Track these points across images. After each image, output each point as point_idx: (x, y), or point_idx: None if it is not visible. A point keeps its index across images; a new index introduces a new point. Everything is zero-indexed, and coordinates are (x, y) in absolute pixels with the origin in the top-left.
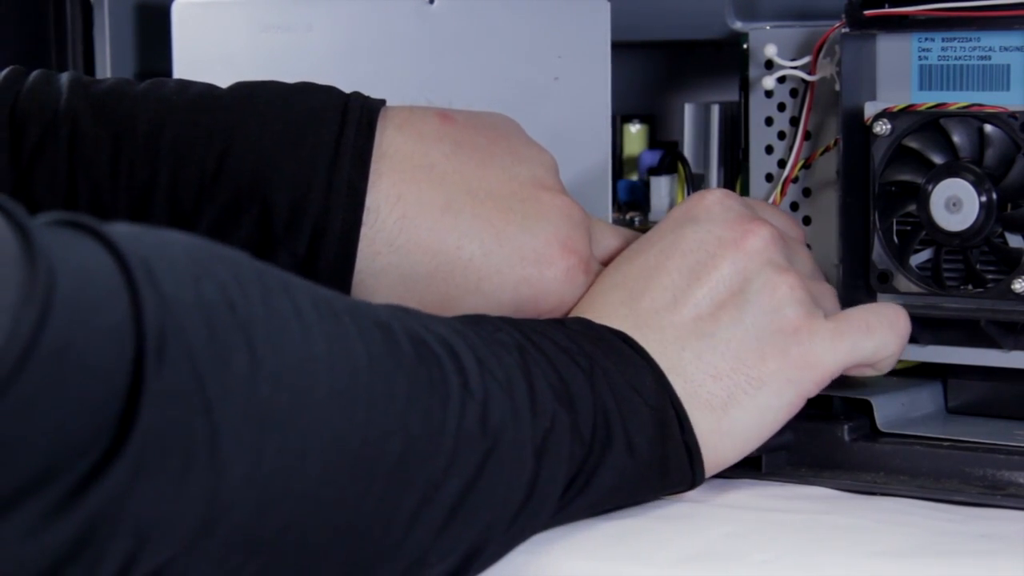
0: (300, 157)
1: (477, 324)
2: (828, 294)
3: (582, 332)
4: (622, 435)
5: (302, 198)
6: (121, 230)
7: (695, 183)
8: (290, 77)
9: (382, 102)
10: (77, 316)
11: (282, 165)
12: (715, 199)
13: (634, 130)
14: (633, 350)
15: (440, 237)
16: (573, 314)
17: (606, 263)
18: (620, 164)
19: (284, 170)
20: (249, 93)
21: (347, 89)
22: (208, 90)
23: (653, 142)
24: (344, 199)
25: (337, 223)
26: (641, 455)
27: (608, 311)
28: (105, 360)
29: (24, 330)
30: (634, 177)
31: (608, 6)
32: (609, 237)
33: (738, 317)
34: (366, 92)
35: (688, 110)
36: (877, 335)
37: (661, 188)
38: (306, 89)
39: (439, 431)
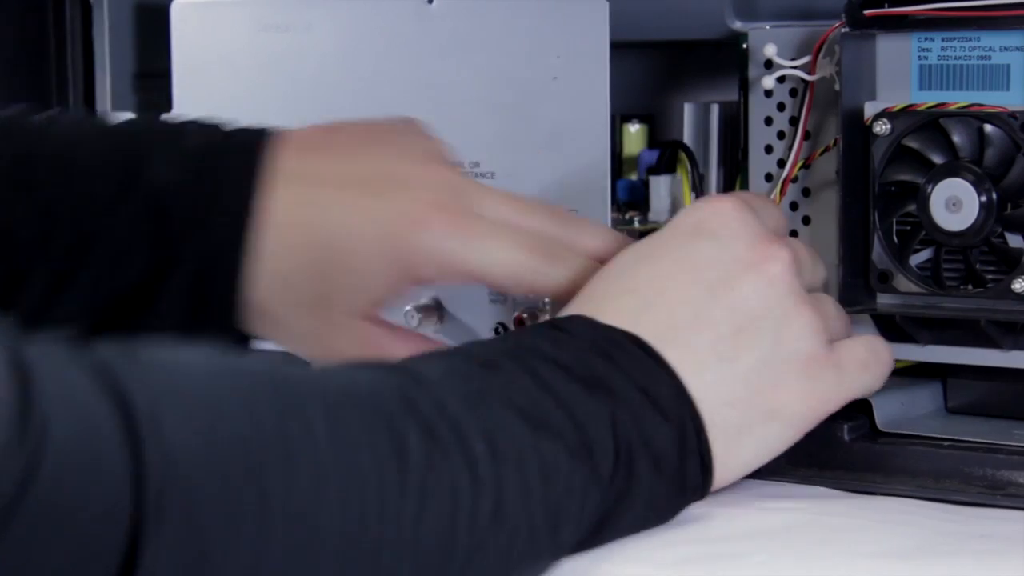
0: (195, 182)
1: (492, 373)
2: (830, 303)
3: (596, 345)
4: (646, 469)
5: (196, 219)
6: (131, 368)
7: (695, 182)
8: (289, 77)
9: (264, 130)
10: (71, 470)
11: (178, 190)
12: (732, 211)
13: (633, 130)
14: (650, 357)
15: (313, 236)
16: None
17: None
18: (620, 164)
19: (180, 194)
20: (147, 126)
21: (349, 89)
22: (107, 123)
23: (652, 142)
24: (230, 218)
25: (226, 241)
26: (663, 483)
27: (622, 317)
28: (100, 518)
29: (10, 480)
30: (633, 177)
31: (607, 6)
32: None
33: (757, 344)
34: (365, 91)
35: (688, 110)
36: (872, 370)
37: (660, 188)
38: (196, 122)
39: (451, 540)
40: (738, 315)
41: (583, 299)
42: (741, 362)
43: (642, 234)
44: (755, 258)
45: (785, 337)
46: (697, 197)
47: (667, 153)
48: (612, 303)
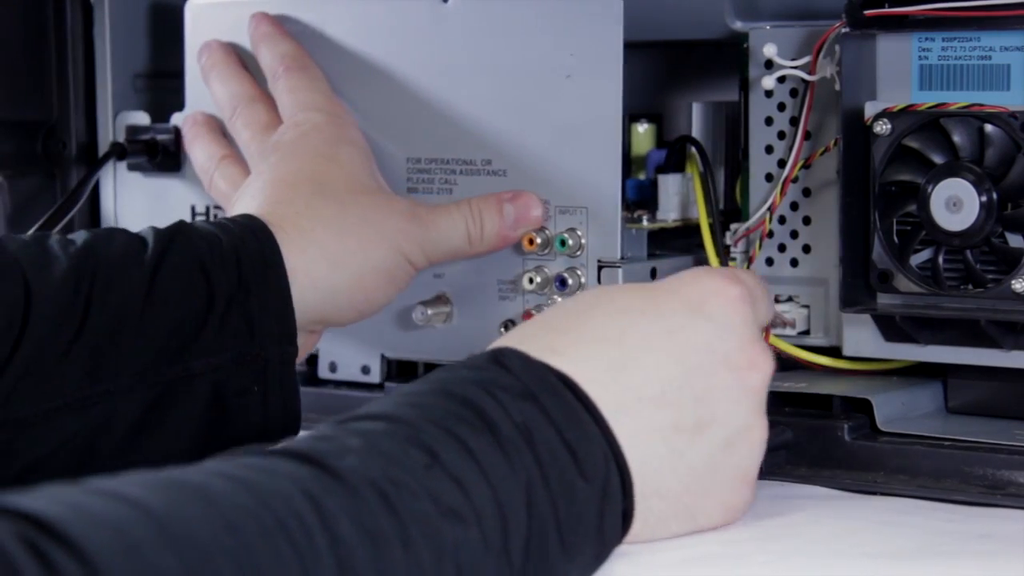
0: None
1: (413, 448)
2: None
3: (529, 391)
4: (556, 552)
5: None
6: (37, 498)
7: (706, 178)
8: None
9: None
10: None
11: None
12: (737, 302)
13: (642, 129)
14: (588, 412)
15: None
16: (543, 347)
17: None
18: (628, 163)
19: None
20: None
21: (364, 88)
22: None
23: (661, 141)
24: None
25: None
26: (578, 554)
27: (586, 368)
28: None
29: None
30: (642, 176)
31: (621, 4)
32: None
33: (708, 445)
34: (380, 91)
35: (696, 109)
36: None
37: (669, 187)
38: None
39: None
40: (703, 409)
41: (550, 327)
42: (686, 458)
43: (651, 233)
44: (741, 361)
45: (735, 447)
46: (707, 194)
47: (676, 151)
48: (585, 348)
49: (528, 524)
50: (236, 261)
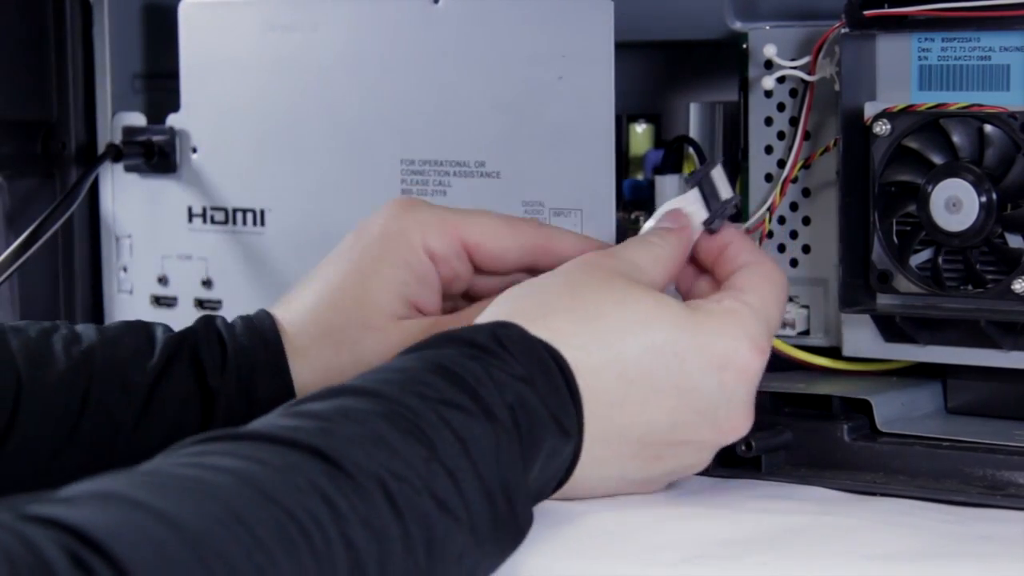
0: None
1: (415, 439)
2: None
3: (530, 378)
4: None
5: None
6: (64, 506)
7: None
8: (296, 77)
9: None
10: None
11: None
12: (754, 377)
13: (640, 130)
14: (576, 428)
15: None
16: (563, 338)
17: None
18: (626, 164)
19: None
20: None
21: (355, 89)
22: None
23: (659, 142)
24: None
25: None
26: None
27: (596, 381)
28: None
29: None
30: (640, 177)
31: (611, 6)
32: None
33: (655, 471)
34: (372, 91)
35: (694, 109)
36: None
37: (666, 187)
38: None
39: None
40: (669, 451)
41: (573, 311)
42: (628, 477)
43: None
44: (726, 424)
45: (675, 475)
46: None
47: (673, 152)
48: (600, 372)
49: (510, 508)
50: (237, 367)
